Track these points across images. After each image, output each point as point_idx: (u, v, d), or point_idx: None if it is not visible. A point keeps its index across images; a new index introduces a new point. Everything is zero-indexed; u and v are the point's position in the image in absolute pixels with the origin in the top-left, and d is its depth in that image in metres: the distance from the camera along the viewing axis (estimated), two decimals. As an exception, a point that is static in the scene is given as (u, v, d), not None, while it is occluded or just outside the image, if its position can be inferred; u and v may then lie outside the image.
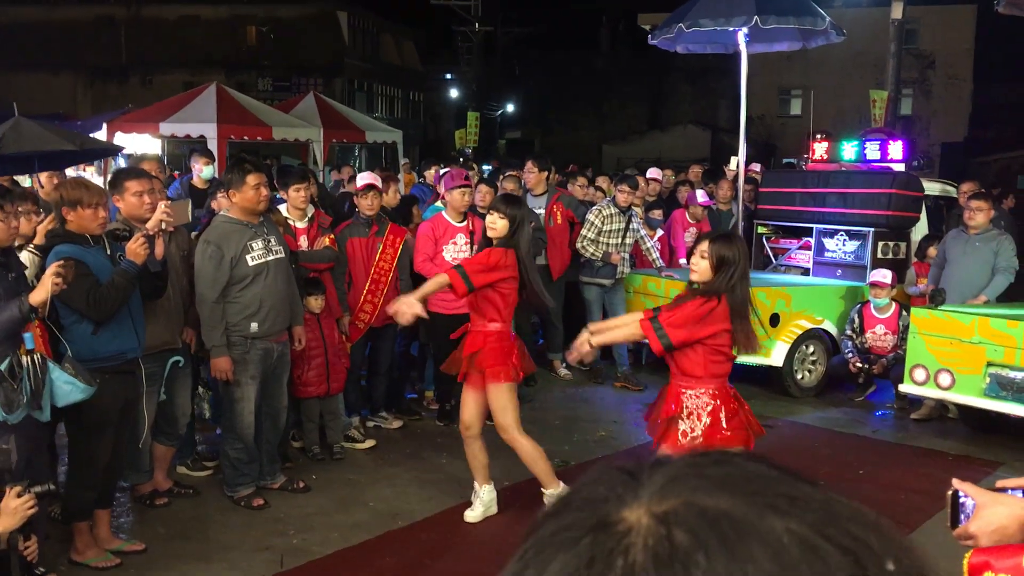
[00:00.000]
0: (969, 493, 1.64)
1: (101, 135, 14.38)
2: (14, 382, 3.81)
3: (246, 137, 15.32)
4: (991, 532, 1.56)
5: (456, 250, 6.72)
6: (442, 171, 8.43)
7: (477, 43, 37.39)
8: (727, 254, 3.96)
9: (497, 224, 4.82)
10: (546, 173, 8.55)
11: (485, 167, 18.76)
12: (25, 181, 7.68)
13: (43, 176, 7.17)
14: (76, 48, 36.93)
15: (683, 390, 4.06)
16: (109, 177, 12.71)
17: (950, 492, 1.65)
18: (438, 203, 7.59)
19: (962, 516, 1.65)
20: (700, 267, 4.00)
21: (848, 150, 9.14)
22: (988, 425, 6.88)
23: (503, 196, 5.37)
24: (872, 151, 8.98)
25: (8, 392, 3.80)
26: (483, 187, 7.37)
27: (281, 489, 5.53)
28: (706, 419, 4.00)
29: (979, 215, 7.35)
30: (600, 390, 8.21)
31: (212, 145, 13.63)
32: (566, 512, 0.57)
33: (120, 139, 14.82)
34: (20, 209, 4.44)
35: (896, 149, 8.94)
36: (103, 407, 4.31)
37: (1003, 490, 1.68)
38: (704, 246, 4.01)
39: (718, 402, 4.02)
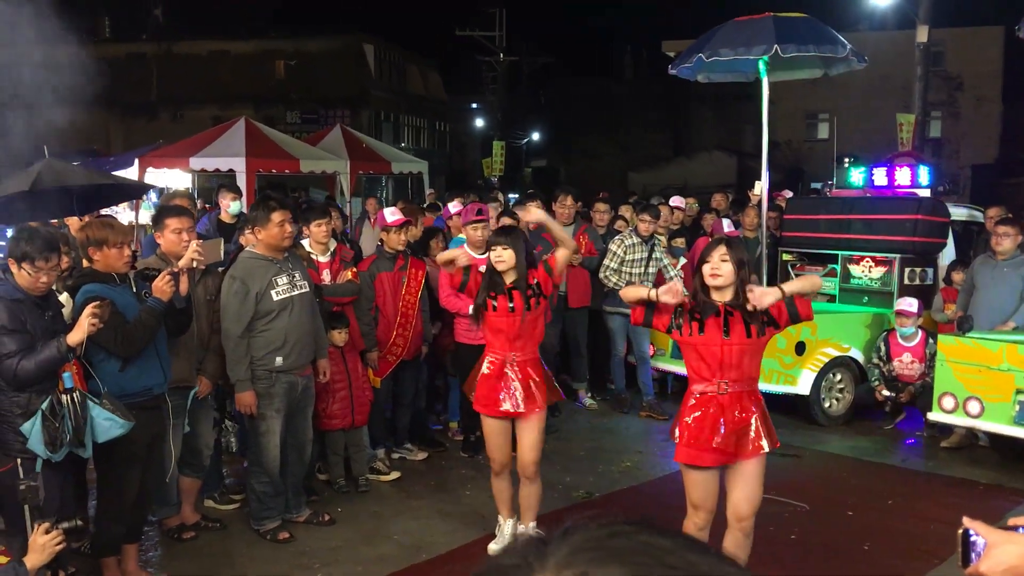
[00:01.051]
0: (980, 532, 1.63)
1: (133, 171, 14.65)
2: (56, 420, 3.89)
3: (274, 170, 15.54)
4: (1002, 572, 1.55)
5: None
6: (452, 208, 8.44)
7: (502, 73, 37.71)
8: (742, 256, 4.09)
9: (504, 256, 4.82)
10: (578, 204, 8.66)
11: (512, 196, 18.85)
12: None
13: (74, 218, 7.32)
14: (108, 85, 37.64)
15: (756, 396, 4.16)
16: (140, 213, 13.00)
17: (961, 531, 1.65)
18: (461, 235, 7.66)
19: (973, 555, 1.64)
20: (725, 270, 4.04)
21: (856, 176, 9.16)
22: (1020, 453, 6.78)
23: (500, 229, 5.32)
24: (880, 177, 8.97)
25: (51, 431, 3.88)
26: (506, 220, 7.41)
27: (307, 522, 5.56)
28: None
29: (1006, 240, 7.28)
30: (625, 419, 8.19)
31: (241, 179, 13.84)
32: None
33: (151, 174, 15.10)
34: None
35: (905, 175, 8.91)
36: (132, 442, 4.37)
37: (1015, 528, 1.67)
38: (722, 250, 4.07)
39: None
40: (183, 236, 4.93)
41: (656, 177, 33.99)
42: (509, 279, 4.89)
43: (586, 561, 0.60)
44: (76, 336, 3.91)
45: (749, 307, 4.02)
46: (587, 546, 0.62)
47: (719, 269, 4.02)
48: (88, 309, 3.93)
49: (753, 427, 4.07)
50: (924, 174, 8.92)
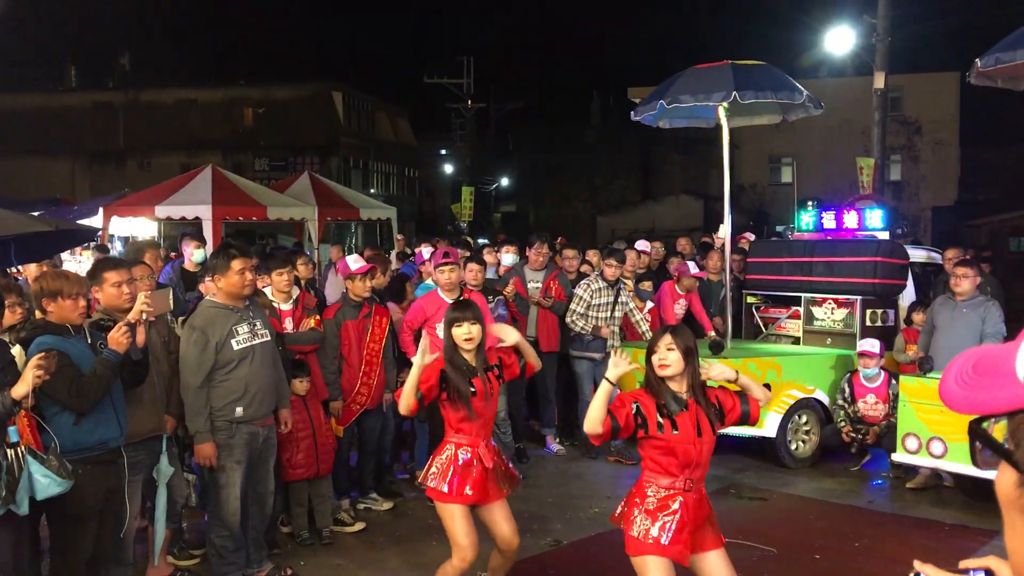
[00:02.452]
0: (929, 575, 1.63)
1: (97, 219, 14.54)
2: (-4, 477, 3.79)
3: (241, 218, 15.50)
4: (950, 618, 1.55)
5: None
6: (425, 251, 8.52)
7: (470, 119, 38.06)
8: (689, 343, 3.96)
9: (473, 332, 4.48)
10: (550, 252, 8.74)
11: (481, 240, 18.92)
12: None
13: (32, 267, 7.24)
14: (74, 133, 37.52)
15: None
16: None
17: (912, 574, 1.64)
18: (429, 280, 7.66)
19: None
20: (672, 359, 3.89)
21: (805, 220, 9.38)
22: (985, 493, 6.81)
23: (461, 302, 4.85)
24: (828, 221, 9.20)
25: (-12, 486, 3.78)
26: (473, 265, 7.43)
27: (268, 576, 5.45)
28: None
29: (965, 282, 7.39)
30: (593, 465, 8.15)
31: (208, 226, 13.78)
32: None
33: (116, 223, 14.99)
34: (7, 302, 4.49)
35: (852, 219, 9.14)
36: (85, 498, 4.27)
37: (965, 572, 1.67)
38: (667, 339, 3.93)
39: None
40: (123, 289, 4.77)
41: (625, 221, 34.29)
42: (473, 360, 4.52)
43: None
44: (20, 389, 3.82)
45: (705, 391, 3.99)
46: None
47: (666, 359, 3.91)
48: (33, 361, 3.86)
49: (710, 521, 3.98)
50: (875, 217, 9.09)
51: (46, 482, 3.91)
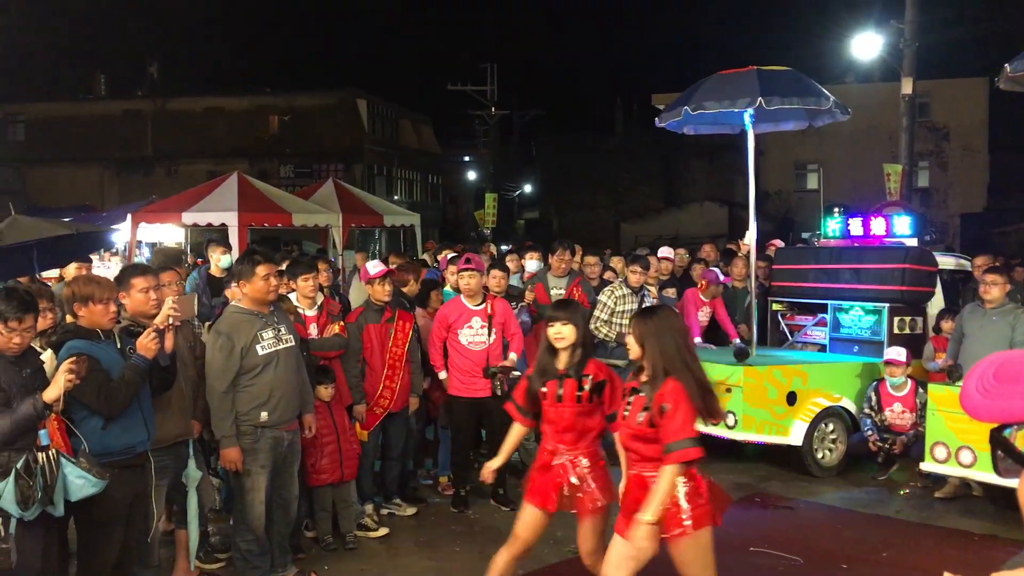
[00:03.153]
0: (960, 588, 1.61)
1: (126, 226, 14.71)
2: (30, 479, 3.84)
3: (266, 224, 15.62)
4: (982, 629, 1.52)
5: (472, 334, 6.78)
6: (449, 256, 8.55)
7: (493, 126, 38.14)
8: (649, 329, 4.03)
9: (564, 332, 4.43)
10: (573, 257, 8.74)
11: (504, 247, 18.91)
12: None
13: (71, 269, 7.36)
14: (103, 142, 37.99)
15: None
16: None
17: (942, 587, 1.62)
18: (448, 287, 7.69)
19: None
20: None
21: (832, 226, 9.29)
22: (1015, 503, 6.70)
23: (559, 302, 4.92)
24: (855, 227, 9.10)
25: (24, 489, 3.82)
26: (496, 272, 7.45)
27: (293, 581, 5.46)
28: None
29: (994, 289, 7.30)
30: (616, 472, 8.07)
31: (233, 232, 13.90)
32: None
33: (144, 229, 15.17)
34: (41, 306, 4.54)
35: (880, 225, 9.03)
36: (112, 501, 4.30)
37: (997, 584, 1.64)
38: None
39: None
40: (150, 295, 4.78)
41: (648, 228, 34.22)
42: (562, 363, 4.46)
43: None
44: (52, 393, 3.87)
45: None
46: None
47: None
48: (64, 365, 3.90)
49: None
50: (903, 223, 9.00)
51: (81, 483, 3.95)
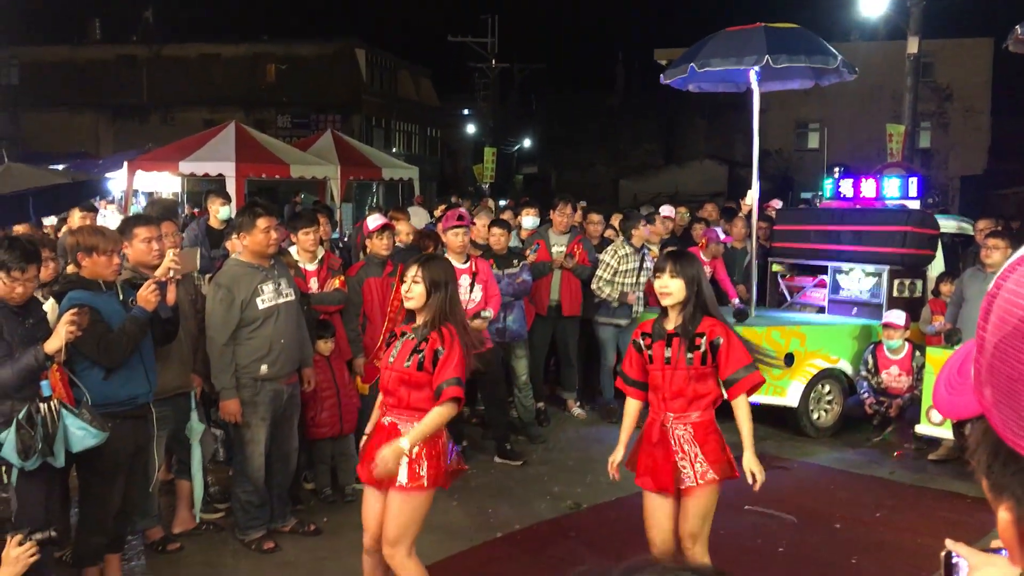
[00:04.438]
0: (962, 554, 1.61)
1: (122, 174, 14.59)
2: (31, 429, 3.85)
3: (264, 175, 15.48)
4: (983, 594, 1.53)
5: (461, 292, 6.74)
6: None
7: (493, 79, 37.76)
8: (438, 276, 3.91)
9: (671, 287, 4.01)
10: (576, 212, 8.69)
11: (502, 202, 18.86)
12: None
13: (76, 217, 7.33)
14: (98, 87, 37.57)
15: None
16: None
17: (943, 553, 1.62)
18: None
19: None
20: (415, 292, 3.90)
21: (845, 188, 9.22)
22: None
23: (670, 252, 4.27)
24: (868, 189, 9.01)
25: (25, 439, 3.84)
26: (495, 230, 7.41)
27: (292, 532, 5.52)
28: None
29: (996, 253, 7.28)
30: (614, 429, 8.09)
31: (231, 183, 13.78)
32: None
33: (140, 178, 15.02)
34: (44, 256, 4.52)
35: (894, 187, 8.96)
36: (115, 452, 4.32)
37: (997, 550, 1.65)
38: (413, 270, 3.92)
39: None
40: (152, 245, 4.79)
41: (647, 185, 34.07)
42: (672, 322, 4.06)
43: None
44: (53, 344, 3.87)
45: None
46: None
47: (410, 292, 3.93)
48: (66, 316, 3.90)
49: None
50: (913, 186, 8.95)
51: (81, 434, 3.97)
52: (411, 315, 4.02)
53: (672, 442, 3.97)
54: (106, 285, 4.38)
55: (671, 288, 3.97)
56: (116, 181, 14.24)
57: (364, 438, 4.15)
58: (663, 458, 3.99)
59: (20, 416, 3.82)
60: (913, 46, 18.44)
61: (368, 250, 6.60)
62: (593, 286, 8.08)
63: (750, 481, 4.02)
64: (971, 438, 0.77)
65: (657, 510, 4.05)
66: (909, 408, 7.46)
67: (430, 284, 3.90)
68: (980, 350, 0.75)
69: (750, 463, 4.00)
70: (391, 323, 6.52)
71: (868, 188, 9.04)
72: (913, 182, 8.99)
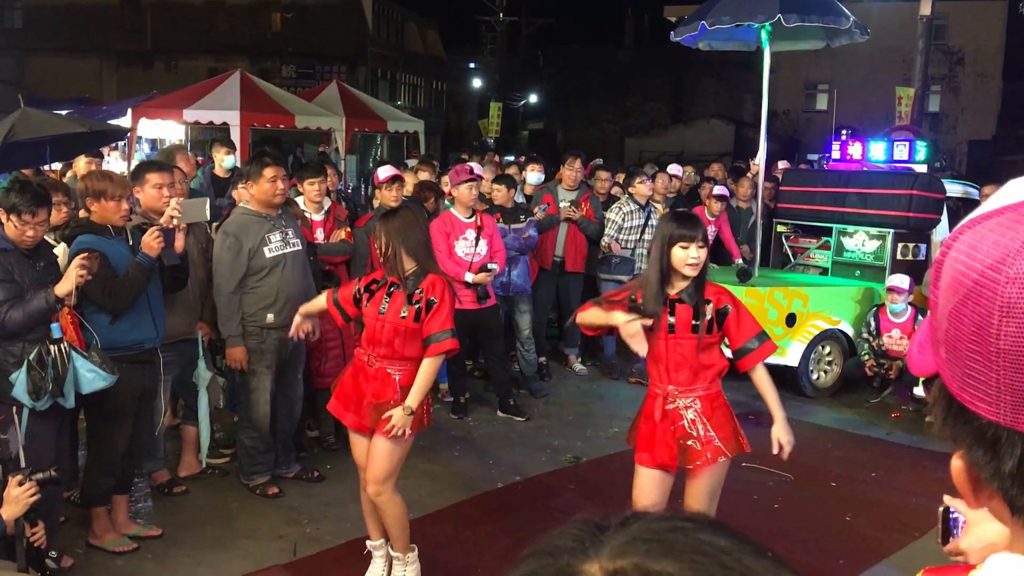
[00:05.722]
0: (960, 510, 1.65)
1: (126, 121, 14.52)
2: (41, 370, 3.90)
3: (269, 125, 15.43)
4: (981, 549, 1.57)
5: (467, 245, 6.77)
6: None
7: (501, 33, 37.34)
8: (396, 226, 4.04)
9: (701, 257, 3.69)
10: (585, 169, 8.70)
11: (509, 158, 18.77)
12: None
13: (81, 164, 7.33)
14: (102, 33, 37.19)
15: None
16: (133, 164, 12.93)
17: (941, 508, 1.67)
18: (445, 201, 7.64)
19: (953, 532, 1.66)
20: (381, 246, 4.09)
21: (856, 151, 9.19)
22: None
23: (681, 215, 3.85)
24: (877, 152, 8.99)
25: (35, 379, 3.89)
26: (500, 186, 7.41)
27: (296, 478, 5.61)
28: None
29: (1001, 218, 7.28)
30: (614, 386, 8.23)
31: (235, 132, 13.74)
32: (537, 556, 0.63)
33: (144, 125, 14.97)
34: (54, 200, 4.54)
35: (903, 151, 8.93)
36: (122, 395, 4.38)
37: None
38: (377, 228, 4.15)
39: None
40: (163, 192, 4.82)
41: (653, 144, 33.87)
42: (676, 287, 3.73)
43: (642, 552, 0.59)
44: (63, 287, 3.91)
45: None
46: (644, 537, 0.61)
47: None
48: (76, 260, 3.93)
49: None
50: (923, 150, 8.91)
51: (91, 376, 4.02)
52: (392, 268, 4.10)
53: (677, 418, 3.72)
54: (115, 230, 4.40)
55: (701, 259, 3.67)
56: (121, 127, 14.16)
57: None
58: (666, 435, 3.74)
59: (31, 357, 3.87)
60: (926, 7, 18.18)
61: (377, 201, 6.61)
62: (602, 244, 8.11)
63: (776, 451, 3.83)
64: (931, 394, 0.84)
65: (655, 487, 3.81)
66: (908, 370, 7.51)
67: (392, 236, 4.02)
68: (932, 311, 0.80)
69: (779, 431, 3.79)
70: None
71: (877, 151, 9.01)
72: (923, 146, 8.95)
